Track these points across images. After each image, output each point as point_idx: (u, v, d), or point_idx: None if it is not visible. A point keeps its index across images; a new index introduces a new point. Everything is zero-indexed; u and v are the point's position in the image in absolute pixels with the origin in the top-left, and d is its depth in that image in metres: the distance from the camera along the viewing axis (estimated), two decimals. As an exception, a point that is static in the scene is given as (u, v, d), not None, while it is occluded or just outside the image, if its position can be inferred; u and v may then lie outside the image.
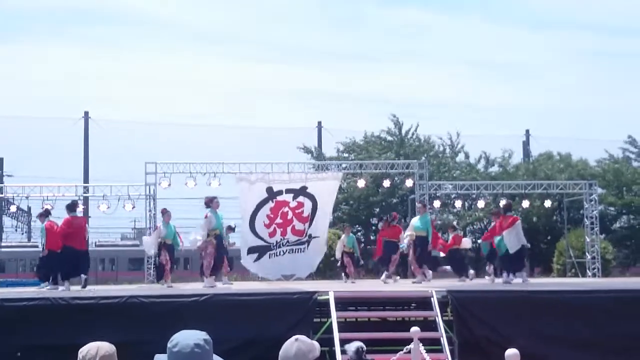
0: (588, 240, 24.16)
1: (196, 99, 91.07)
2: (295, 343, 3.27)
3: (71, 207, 15.95)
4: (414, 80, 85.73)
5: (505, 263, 16.09)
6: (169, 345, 3.04)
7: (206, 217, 15.58)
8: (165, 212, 17.13)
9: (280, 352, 3.26)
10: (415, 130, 34.51)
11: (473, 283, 17.38)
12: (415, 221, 17.40)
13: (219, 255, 15.85)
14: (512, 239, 15.70)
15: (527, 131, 38.62)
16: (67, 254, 15.16)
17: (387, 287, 15.08)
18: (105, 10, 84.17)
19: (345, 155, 33.99)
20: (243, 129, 66.26)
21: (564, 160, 34.43)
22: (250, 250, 20.78)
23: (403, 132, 34.42)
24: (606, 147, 36.74)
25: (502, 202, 20.30)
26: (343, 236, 20.05)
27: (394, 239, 18.10)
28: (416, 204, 18.60)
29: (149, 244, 17.38)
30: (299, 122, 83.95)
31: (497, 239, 16.39)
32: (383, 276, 17.78)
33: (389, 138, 34.31)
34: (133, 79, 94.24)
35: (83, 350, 3.20)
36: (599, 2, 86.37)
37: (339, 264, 19.50)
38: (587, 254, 24.11)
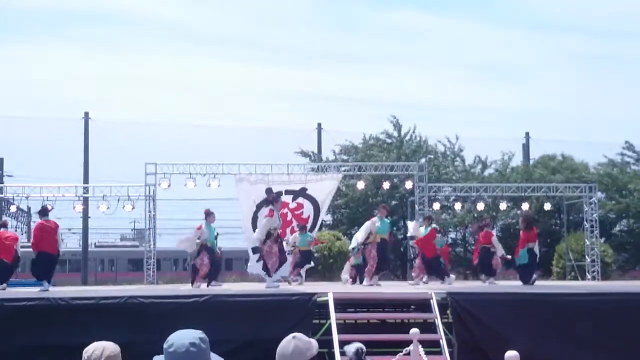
0: (588, 243, 24.17)
1: (196, 100, 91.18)
2: (293, 341, 3.25)
3: (42, 212, 16.19)
4: (412, 82, 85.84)
5: (527, 271, 16.74)
6: (164, 345, 3.02)
7: (271, 215, 15.13)
8: (209, 213, 16.42)
9: (278, 350, 3.25)
10: (414, 131, 34.45)
11: (471, 285, 17.38)
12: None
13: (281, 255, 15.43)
14: (537, 250, 17.00)
15: (527, 134, 38.58)
16: (40, 258, 15.21)
17: (387, 289, 15.05)
18: (106, 12, 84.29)
19: (344, 157, 33.89)
20: (242, 130, 66.25)
21: (565, 162, 34.40)
22: (255, 250, 20.77)
23: (402, 133, 34.38)
24: (605, 151, 36.72)
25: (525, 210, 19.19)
26: (353, 259, 18.79)
27: (488, 244, 18.21)
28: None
29: (189, 243, 16.31)
30: (298, 124, 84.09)
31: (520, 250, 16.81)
32: (486, 282, 17.65)
33: (388, 140, 34.24)
34: (133, 80, 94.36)
35: (88, 350, 3.18)
36: (598, 6, 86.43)
37: (348, 283, 18.36)
38: (586, 257, 24.13)
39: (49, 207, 17.61)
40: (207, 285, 15.96)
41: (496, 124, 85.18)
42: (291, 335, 3.30)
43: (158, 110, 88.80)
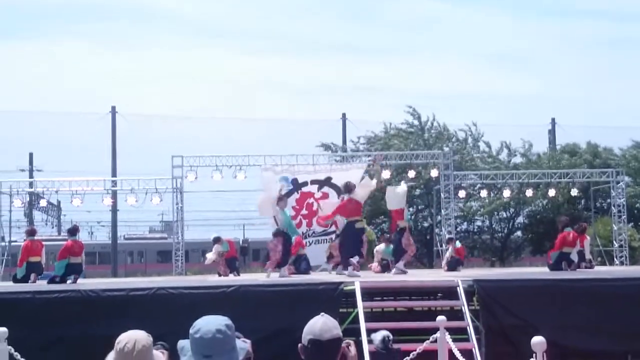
0: (615, 228, 24.00)
1: (221, 93, 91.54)
2: (322, 318, 3.32)
3: (72, 231, 16.53)
4: (433, 71, 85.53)
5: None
6: (191, 331, 3.07)
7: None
8: (281, 198, 16.19)
9: (306, 327, 3.31)
10: (434, 120, 34.33)
11: (497, 272, 17.30)
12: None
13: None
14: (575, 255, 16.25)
15: (553, 119, 38.29)
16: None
17: (414, 277, 15.08)
18: (134, 7, 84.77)
19: (367, 146, 33.83)
20: (267, 122, 66.50)
21: (590, 149, 34.12)
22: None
23: (422, 122, 34.28)
24: (631, 135, 36.38)
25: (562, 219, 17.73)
26: (383, 246, 19.01)
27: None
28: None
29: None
30: (321, 115, 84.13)
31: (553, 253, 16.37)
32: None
33: (409, 129, 34.15)
34: (160, 74, 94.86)
35: (121, 342, 3.19)
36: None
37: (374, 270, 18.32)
38: (614, 242, 23.96)
39: (79, 227, 17.88)
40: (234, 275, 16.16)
41: (520, 111, 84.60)
42: (320, 314, 3.38)
43: (184, 104, 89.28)
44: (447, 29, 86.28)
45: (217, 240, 18.63)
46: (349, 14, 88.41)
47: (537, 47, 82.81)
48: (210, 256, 18.56)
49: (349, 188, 15.20)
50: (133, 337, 3.19)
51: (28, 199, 26.02)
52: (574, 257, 16.25)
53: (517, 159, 34.71)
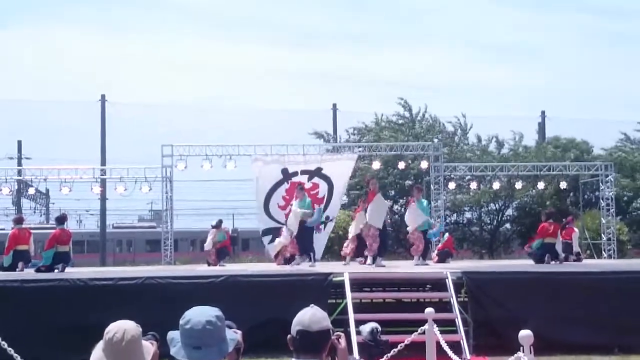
0: (604, 221, 24.10)
1: (211, 82, 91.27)
2: (311, 309, 3.33)
3: (60, 219, 16.47)
4: (425, 62, 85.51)
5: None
6: (181, 322, 3.06)
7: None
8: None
9: (295, 319, 3.31)
10: (425, 111, 34.35)
11: (486, 264, 17.34)
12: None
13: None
14: (560, 247, 16.50)
15: (543, 112, 38.35)
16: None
17: (403, 268, 15.10)
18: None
19: (357, 137, 33.84)
20: (257, 112, 66.39)
21: (574, 143, 34.28)
22: (265, 232, 20.86)
23: (413, 114, 34.30)
24: (622, 128, 36.58)
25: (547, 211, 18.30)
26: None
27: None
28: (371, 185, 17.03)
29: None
30: (312, 105, 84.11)
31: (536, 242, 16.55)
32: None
33: (400, 121, 34.17)
34: (150, 62, 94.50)
35: (110, 332, 3.19)
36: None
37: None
38: (602, 235, 24.06)
39: (67, 216, 17.87)
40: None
41: (511, 103, 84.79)
42: (310, 305, 3.37)
43: (174, 93, 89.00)
44: (439, 19, 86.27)
45: (217, 225, 18.49)
46: (341, 4, 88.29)
47: (534, 40, 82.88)
48: (209, 242, 18.51)
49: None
50: (122, 327, 3.17)
51: (16, 186, 25.92)
52: (558, 247, 16.37)
53: (505, 151, 34.80)
